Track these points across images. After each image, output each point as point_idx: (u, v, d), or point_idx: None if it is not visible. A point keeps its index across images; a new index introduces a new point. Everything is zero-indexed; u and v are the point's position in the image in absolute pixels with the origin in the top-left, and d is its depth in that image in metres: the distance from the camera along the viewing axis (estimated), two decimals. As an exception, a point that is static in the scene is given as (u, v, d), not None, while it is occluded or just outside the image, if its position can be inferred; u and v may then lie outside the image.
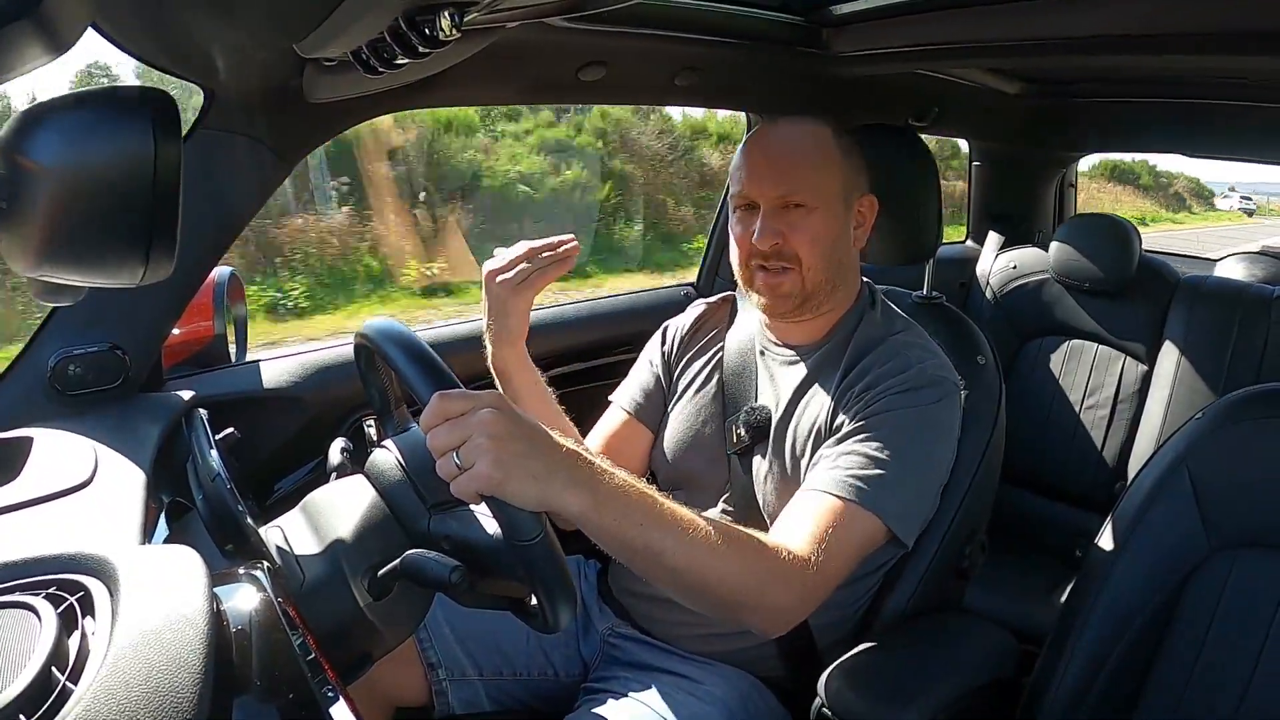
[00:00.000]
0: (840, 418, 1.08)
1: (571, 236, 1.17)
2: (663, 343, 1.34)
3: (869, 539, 1.01)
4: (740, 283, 1.18)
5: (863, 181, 1.18)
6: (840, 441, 1.05)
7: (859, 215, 1.17)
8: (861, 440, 1.03)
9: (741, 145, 1.19)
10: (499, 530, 0.76)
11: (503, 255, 1.18)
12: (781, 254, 1.11)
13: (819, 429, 1.11)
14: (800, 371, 1.17)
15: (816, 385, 1.15)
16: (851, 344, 1.15)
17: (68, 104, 0.53)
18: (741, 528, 0.91)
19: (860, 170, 1.17)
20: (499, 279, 1.16)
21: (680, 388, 1.29)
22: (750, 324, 1.26)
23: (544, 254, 1.16)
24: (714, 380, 1.25)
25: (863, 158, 1.18)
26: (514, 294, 1.16)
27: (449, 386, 0.76)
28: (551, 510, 0.75)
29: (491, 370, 1.23)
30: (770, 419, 1.16)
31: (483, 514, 0.81)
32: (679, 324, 1.35)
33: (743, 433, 1.17)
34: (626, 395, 1.33)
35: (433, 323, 1.76)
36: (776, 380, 1.19)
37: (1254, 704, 0.95)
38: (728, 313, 1.32)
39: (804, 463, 1.11)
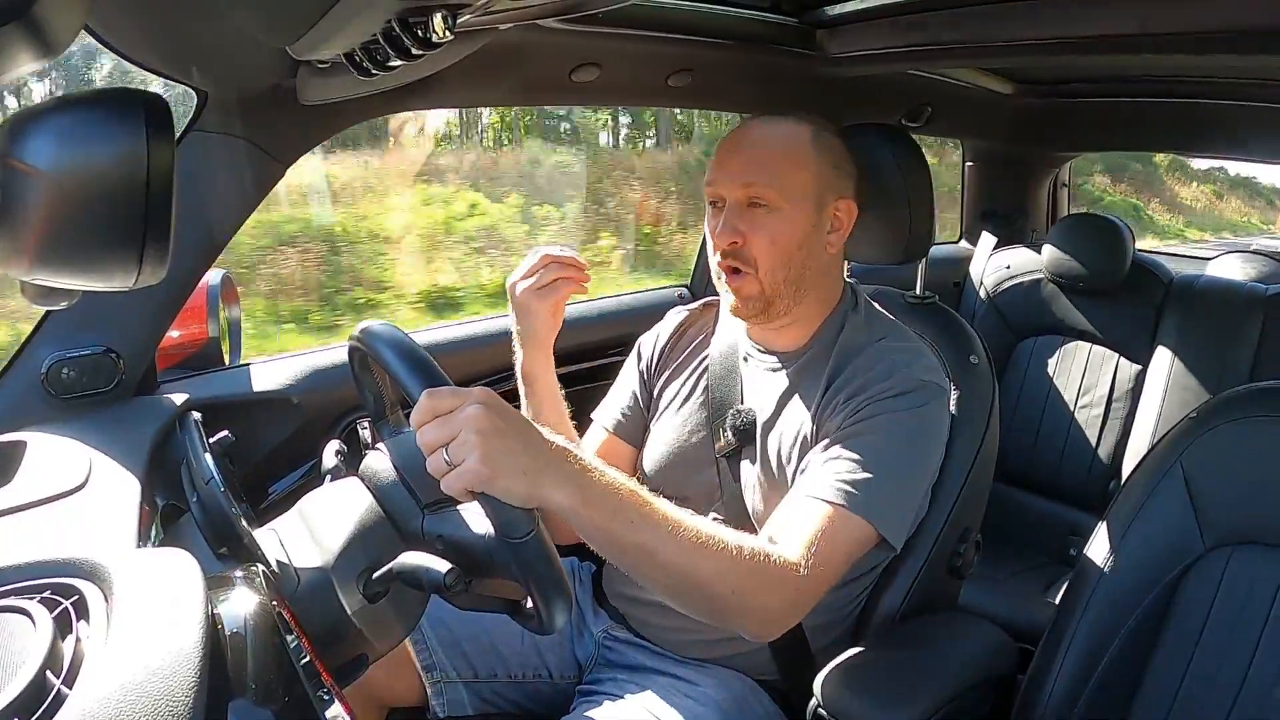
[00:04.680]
0: (827, 424, 1.08)
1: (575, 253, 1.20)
2: (639, 359, 1.33)
3: (858, 543, 1.01)
4: (714, 281, 1.17)
5: (841, 184, 1.14)
6: (828, 447, 1.04)
7: (835, 219, 1.14)
8: (850, 445, 1.03)
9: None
10: (492, 529, 0.76)
11: (523, 265, 1.19)
12: (739, 255, 1.10)
13: (805, 436, 1.10)
14: (783, 379, 1.17)
15: (800, 393, 1.14)
16: (835, 350, 1.14)
17: (60, 106, 0.53)
18: (732, 531, 0.91)
19: (840, 172, 1.14)
20: (522, 286, 1.18)
21: (665, 398, 1.28)
22: (734, 330, 1.24)
23: (562, 262, 1.18)
24: (700, 387, 1.24)
25: (847, 160, 1.15)
26: (540, 299, 1.17)
27: (439, 385, 0.76)
28: (540, 506, 0.75)
29: (519, 376, 1.23)
30: (755, 421, 1.15)
31: (476, 513, 0.81)
32: (657, 335, 1.33)
33: (730, 436, 1.16)
34: (607, 413, 1.32)
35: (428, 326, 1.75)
36: (760, 387, 1.18)
37: (1249, 699, 0.96)
38: (712, 318, 1.30)
39: (790, 469, 1.10)
